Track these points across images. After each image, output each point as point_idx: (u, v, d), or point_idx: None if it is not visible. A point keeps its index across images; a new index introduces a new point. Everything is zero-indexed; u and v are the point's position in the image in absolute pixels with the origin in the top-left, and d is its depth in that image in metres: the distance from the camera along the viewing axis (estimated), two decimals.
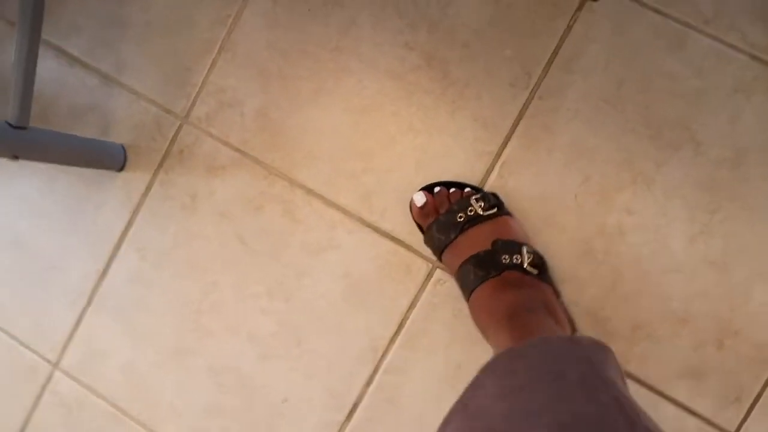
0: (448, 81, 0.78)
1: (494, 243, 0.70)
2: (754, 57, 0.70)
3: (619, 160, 0.74)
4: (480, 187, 0.77)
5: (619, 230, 0.74)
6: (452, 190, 0.76)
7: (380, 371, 0.79)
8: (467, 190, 0.76)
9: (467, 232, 0.72)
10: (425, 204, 0.75)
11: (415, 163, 0.79)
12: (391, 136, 0.79)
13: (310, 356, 0.81)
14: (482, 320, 0.69)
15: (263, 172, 0.82)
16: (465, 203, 0.73)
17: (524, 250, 0.70)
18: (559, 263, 0.75)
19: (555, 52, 0.75)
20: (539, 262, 0.71)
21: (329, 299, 0.81)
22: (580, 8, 0.74)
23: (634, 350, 0.73)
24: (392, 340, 0.79)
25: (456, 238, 0.72)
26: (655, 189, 0.73)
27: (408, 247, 0.79)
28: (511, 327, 0.62)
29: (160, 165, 0.85)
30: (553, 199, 0.75)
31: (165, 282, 0.85)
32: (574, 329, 0.74)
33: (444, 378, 0.77)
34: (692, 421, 0.73)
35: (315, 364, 0.81)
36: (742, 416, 0.72)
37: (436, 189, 0.76)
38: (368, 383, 0.79)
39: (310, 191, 0.81)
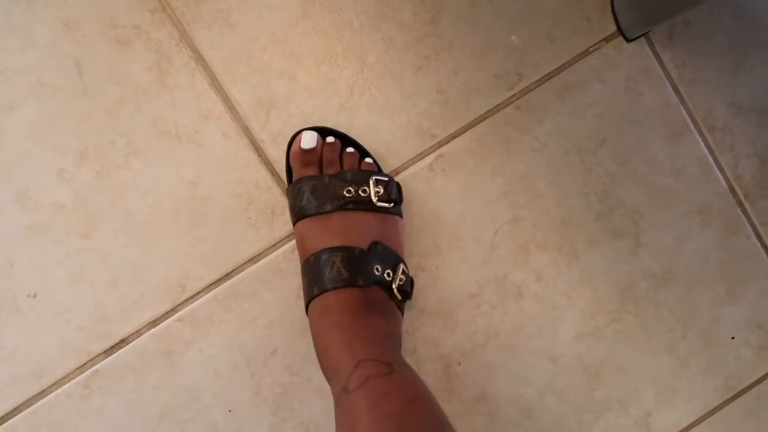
0: (432, 30, 0.61)
1: (373, 245, 0.55)
2: (731, 189, 0.64)
3: (557, 218, 0.63)
4: (382, 168, 0.60)
5: (519, 291, 0.63)
6: (350, 149, 0.59)
7: (175, 316, 0.60)
8: (368, 161, 0.60)
9: (347, 214, 0.56)
10: (312, 150, 0.57)
11: (345, 100, 0.61)
12: (334, 54, 0.61)
13: (94, 257, 0.59)
14: (327, 334, 0.51)
15: (154, 3, 0.59)
16: (362, 178, 0.57)
17: (401, 268, 0.57)
18: (441, 293, 0.62)
19: (559, 70, 0.63)
20: (408, 290, 0.57)
21: (155, 201, 0.60)
22: (608, 39, 0.63)
23: (465, 420, 0.63)
24: (209, 288, 0.60)
25: (330, 212, 0.56)
26: (574, 267, 0.64)
27: (285, 191, 0.61)
28: (364, 383, 0.45)
29: None
30: (471, 222, 0.62)
31: None
32: None
33: (247, 359, 0.60)
34: None
35: (95, 270, 0.59)
36: None
37: (330, 138, 0.59)
38: (153, 323, 0.59)
39: (200, 60, 0.59)
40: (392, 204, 0.58)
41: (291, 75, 0.61)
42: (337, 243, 0.54)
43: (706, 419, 0.64)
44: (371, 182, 0.57)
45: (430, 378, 0.62)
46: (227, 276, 0.60)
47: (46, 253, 0.58)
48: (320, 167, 0.58)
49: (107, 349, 0.59)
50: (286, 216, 0.60)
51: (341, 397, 0.47)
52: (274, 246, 0.61)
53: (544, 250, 0.63)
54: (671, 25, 0.63)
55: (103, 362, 0.59)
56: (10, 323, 0.58)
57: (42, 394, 0.58)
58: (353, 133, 0.61)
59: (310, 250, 0.55)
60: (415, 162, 0.62)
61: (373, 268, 0.54)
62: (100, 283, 0.59)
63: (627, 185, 0.64)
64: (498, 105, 0.62)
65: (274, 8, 0.60)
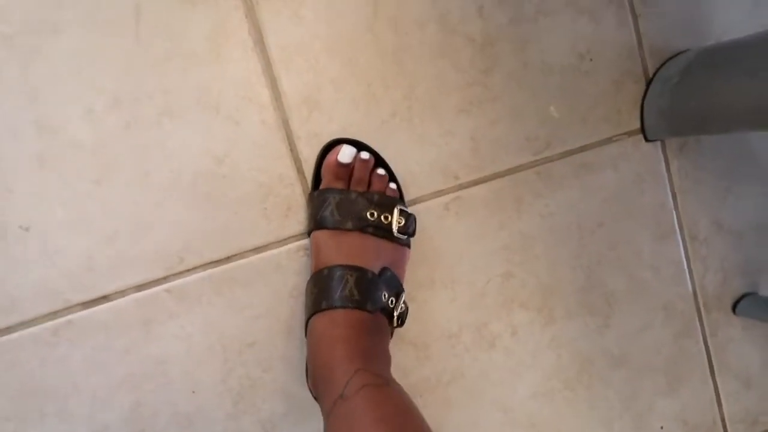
0: (482, 80, 0.64)
1: (383, 271, 0.57)
2: (695, 295, 0.71)
3: (545, 283, 0.67)
4: (404, 194, 0.62)
5: (493, 341, 0.67)
6: (380, 171, 0.60)
7: (164, 286, 0.58)
8: (393, 186, 0.61)
9: (366, 236, 0.57)
10: (347, 165, 0.58)
11: (385, 120, 0.62)
12: (387, 75, 0.61)
13: (100, 206, 0.56)
14: (330, 345, 0.52)
15: None
16: (388, 204, 0.58)
17: (402, 297, 0.59)
18: (423, 326, 0.65)
19: (582, 149, 0.67)
20: (404, 319, 0.59)
21: (177, 167, 0.57)
22: (630, 134, 0.68)
23: None
24: (207, 266, 0.59)
25: (350, 230, 0.56)
26: (547, 331, 0.68)
27: (308, 194, 0.61)
28: (379, 398, 0.47)
29: None
30: (468, 267, 0.65)
31: None
32: None
33: (224, 345, 0.60)
34: None
35: (97, 219, 0.56)
36: None
37: (365, 155, 0.59)
38: (141, 287, 0.58)
39: (260, 42, 0.58)
40: (406, 236, 0.60)
41: (342, 82, 0.61)
42: (352, 262, 0.55)
43: None
44: (396, 211, 0.58)
45: None
46: (227, 259, 0.60)
47: (50, 189, 0.55)
48: (349, 181, 0.59)
49: (86, 302, 0.57)
50: (301, 215, 0.61)
51: (337, 404, 0.47)
52: (282, 242, 0.61)
53: (526, 309, 0.67)
54: (686, 139, 0.69)
55: (78, 313, 0.56)
56: None
57: (7, 330, 0.55)
58: (385, 154, 0.62)
59: (325, 262, 0.56)
60: (434, 197, 0.64)
61: (381, 294, 0.56)
62: (98, 233, 0.56)
63: (611, 269, 0.69)
64: (521, 165, 0.66)
65: (344, 15, 0.60)
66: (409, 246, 0.62)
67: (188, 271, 0.59)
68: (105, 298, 0.57)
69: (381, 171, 0.60)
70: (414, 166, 0.63)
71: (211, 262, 0.59)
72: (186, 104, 0.57)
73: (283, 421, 0.62)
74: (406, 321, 0.62)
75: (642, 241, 0.69)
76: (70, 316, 0.56)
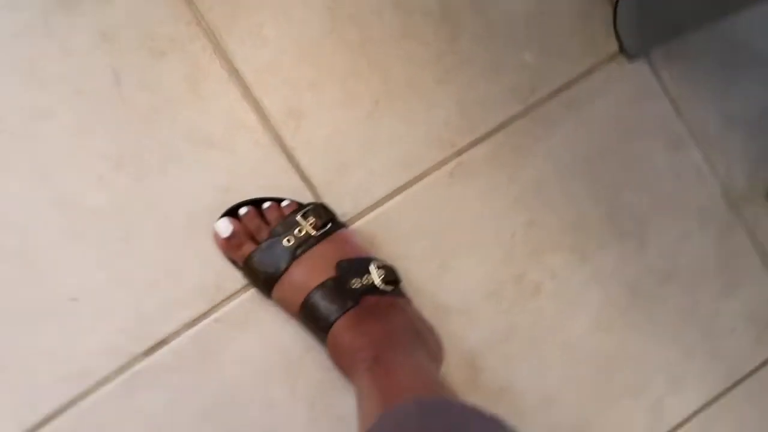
0: (451, 48, 0.65)
1: (339, 265, 0.58)
2: (725, 193, 0.70)
3: (568, 221, 0.68)
4: (295, 200, 0.62)
5: (536, 288, 0.67)
6: (266, 205, 0.62)
7: (213, 316, 0.62)
8: (286, 203, 0.62)
9: (301, 259, 0.59)
10: (233, 234, 0.60)
11: (371, 111, 0.64)
12: (360, 68, 0.64)
13: (132, 261, 0.60)
14: (344, 362, 0.57)
15: (189, 16, 0.61)
16: (290, 222, 0.60)
17: (372, 266, 0.59)
18: (464, 291, 0.66)
19: (567, 86, 0.67)
20: (392, 277, 0.60)
21: (190, 206, 0.61)
22: (612, 59, 0.68)
23: (492, 410, 0.67)
24: (245, 289, 0.62)
25: (288, 268, 0.59)
26: (585, 266, 0.68)
27: (315, 194, 0.64)
28: (375, 375, 0.51)
29: None
30: (490, 225, 0.66)
31: None
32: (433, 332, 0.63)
33: (284, 357, 0.62)
34: None
35: (133, 273, 0.60)
36: None
37: (243, 210, 0.61)
38: (191, 324, 0.61)
39: (233, 72, 0.62)
40: (329, 224, 0.61)
41: (320, 86, 0.64)
42: (311, 286, 0.58)
43: (713, 403, 0.70)
44: (300, 219, 0.60)
45: (457, 371, 0.65)
46: None
47: (85, 257, 0.60)
48: (252, 238, 0.61)
49: (147, 350, 0.60)
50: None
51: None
52: None
53: (558, 251, 0.68)
54: (668, 46, 0.69)
55: (143, 363, 0.60)
56: (51, 327, 0.59)
57: (83, 395, 0.59)
58: (380, 140, 0.64)
59: (295, 307, 0.59)
60: (437, 169, 0.66)
61: (351, 284, 0.58)
62: (139, 285, 0.60)
63: (631, 190, 0.69)
64: (512, 117, 0.67)
65: (304, 24, 0.64)
66: (343, 226, 0.62)
67: (229, 297, 0.62)
68: (163, 342, 0.61)
69: (265, 205, 0.62)
70: (409, 145, 0.65)
71: (248, 284, 0.63)
72: (182, 147, 0.61)
73: None
74: (442, 290, 0.65)
75: (655, 155, 0.69)
76: (136, 367, 0.60)
